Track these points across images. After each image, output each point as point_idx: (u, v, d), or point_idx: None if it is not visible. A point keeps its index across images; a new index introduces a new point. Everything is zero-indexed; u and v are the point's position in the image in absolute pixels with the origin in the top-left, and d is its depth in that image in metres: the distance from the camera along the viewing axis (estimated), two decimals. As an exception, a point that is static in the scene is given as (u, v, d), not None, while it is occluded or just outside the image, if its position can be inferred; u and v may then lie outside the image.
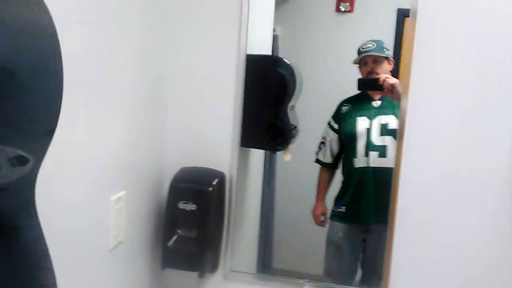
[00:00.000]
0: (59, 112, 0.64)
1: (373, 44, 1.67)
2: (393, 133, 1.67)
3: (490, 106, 1.23)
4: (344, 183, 1.82)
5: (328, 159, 1.86)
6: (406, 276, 1.31)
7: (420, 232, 1.30)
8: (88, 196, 1.00)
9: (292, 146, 1.47)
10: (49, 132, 0.63)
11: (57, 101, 0.64)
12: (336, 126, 1.80)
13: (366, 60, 1.69)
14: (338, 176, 1.80)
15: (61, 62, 0.63)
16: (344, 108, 1.80)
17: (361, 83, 1.66)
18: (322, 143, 1.86)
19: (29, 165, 0.61)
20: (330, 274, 1.88)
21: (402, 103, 1.30)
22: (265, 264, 1.90)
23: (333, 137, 1.82)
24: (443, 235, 1.29)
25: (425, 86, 1.26)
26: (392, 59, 1.65)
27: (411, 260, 1.31)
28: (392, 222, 1.31)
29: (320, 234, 1.82)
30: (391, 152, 1.68)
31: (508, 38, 1.20)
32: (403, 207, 1.30)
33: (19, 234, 0.63)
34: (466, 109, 1.24)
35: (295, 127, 1.47)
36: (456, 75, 1.24)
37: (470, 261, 1.28)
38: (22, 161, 0.60)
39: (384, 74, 1.59)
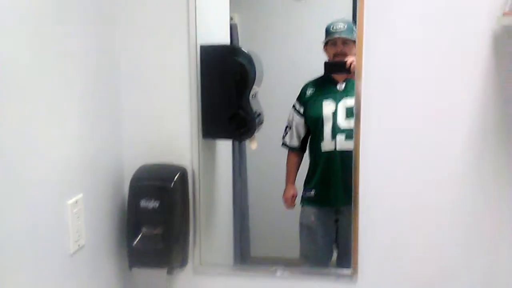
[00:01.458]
0: None
1: (344, 25, 1.65)
2: (359, 115, 1.68)
3: (445, 80, 1.24)
4: (312, 166, 1.82)
5: (295, 142, 1.86)
6: (375, 255, 1.33)
7: (384, 212, 1.31)
8: (43, 202, 0.98)
9: (260, 134, 1.46)
10: None
11: None
12: (301, 110, 1.80)
13: (335, 41, 1.68)
14: (307, 159, 1.81)
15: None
16: (309, 92, 1.79)
17: (328, 66, 1.65)
18: (288, 127, 1.86)
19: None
20: (306, 257, 1.89)
21: (357, 83, 1.30)
22: (242, 253, 1.90)
23: (299, 121, 1.82)
24: (407, 213, 1.30)
25: (378, 64, 1.26)
26: None
27: (378, 239, 1.33)
28: (356, 202, 1.33)
29: (296, 218, 1.83)
30: (357, 134, 1.69)
31: (458, 12, 1.20)
32: (366, 187, 1.31)
33: None
34: (421, 84, 1.25)
35: (259, 114, 1.45)
36: (407, 51, 1.24)
37: (436, 237, 1.30)
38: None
39: (352, 56, 1.58)
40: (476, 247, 1.29)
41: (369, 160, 1.30)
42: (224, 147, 1.69)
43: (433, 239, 1.30)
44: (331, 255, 1.85)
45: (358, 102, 1.29)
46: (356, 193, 1.32)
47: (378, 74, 1.26)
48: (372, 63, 1.26)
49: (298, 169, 1.91)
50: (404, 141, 1.28)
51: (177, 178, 1.26)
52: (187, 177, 1.32)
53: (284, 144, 1.90)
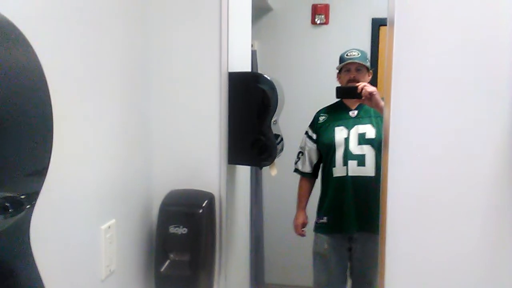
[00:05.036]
0: (50, 149, 0.61)
1: (358, 53, 1.69)
2: (371, 142, 1.69)
3: (473, 111, 1.23)
4: (323, 192, 1.82)
5: (307, 168, 1.86)
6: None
7: (412, 242, 1.28)
8: (78, 227, 0.97)
9: (277, 160, 1.46)
10: (41, 171, 0.60)
11: (47, 138, 0.61)
12: (314, 136, 1.81)
13: (349, 67, 1.71)
14: (319, 186, 1.81)
15: (48, 97, 0.60)
16: (321, 118, 1.81)
17: (340, 91, 1.67)
18: (301, 153, 1.87)
19: (24, 209, 0.58)
20: (319, 286, 1.87)
21: (385, 112, 1.29)
22: (258, 280, 1.88)
23: (311, 147, 1.83)
24: (436, 245, 1.26)
25: (407, 94, 1.25)
26: (371, 71, 1.67)
27: (406, 271, 1.29)
28: (383, 234, 1.29)
29: (309, 245, 1.82)
30: (369, 161, 1.70)
31: (486, 42, 1.21)
32: (393, 219, 1.26)
33: (16, 279, 0.60)
34: (449, 115, 1.24)
35: (281, 140, 1.46)
36: (437, 81, 1.23)
37: (466, 269, 1.26)
38: (16, 205, 0.57)
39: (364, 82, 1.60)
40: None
41: (396, 191, 1.28)
42: (243, 171, 1.69)
43: (466, 273, 1.26)
44: (345, 284, 1.83)
45: (386, 132, 1.28)
46: (384, 225, 1.28)
47: (406, 103, 1.25)
48: (400, 91, 1.26)
49: (309, 196, 1.91)
50: (432, 169, 1.25)
51: (205, 204, 1.25)
52: (214, 203, 1.31)
53: (296, 170, 1.90)
